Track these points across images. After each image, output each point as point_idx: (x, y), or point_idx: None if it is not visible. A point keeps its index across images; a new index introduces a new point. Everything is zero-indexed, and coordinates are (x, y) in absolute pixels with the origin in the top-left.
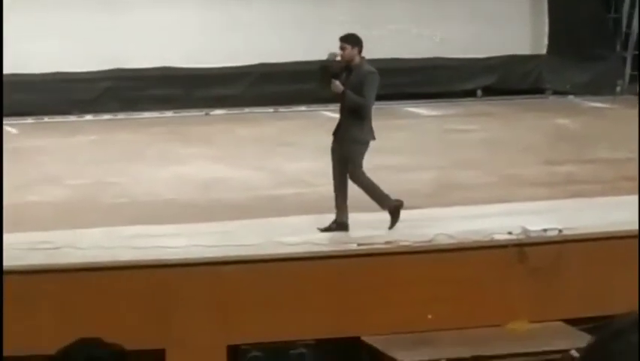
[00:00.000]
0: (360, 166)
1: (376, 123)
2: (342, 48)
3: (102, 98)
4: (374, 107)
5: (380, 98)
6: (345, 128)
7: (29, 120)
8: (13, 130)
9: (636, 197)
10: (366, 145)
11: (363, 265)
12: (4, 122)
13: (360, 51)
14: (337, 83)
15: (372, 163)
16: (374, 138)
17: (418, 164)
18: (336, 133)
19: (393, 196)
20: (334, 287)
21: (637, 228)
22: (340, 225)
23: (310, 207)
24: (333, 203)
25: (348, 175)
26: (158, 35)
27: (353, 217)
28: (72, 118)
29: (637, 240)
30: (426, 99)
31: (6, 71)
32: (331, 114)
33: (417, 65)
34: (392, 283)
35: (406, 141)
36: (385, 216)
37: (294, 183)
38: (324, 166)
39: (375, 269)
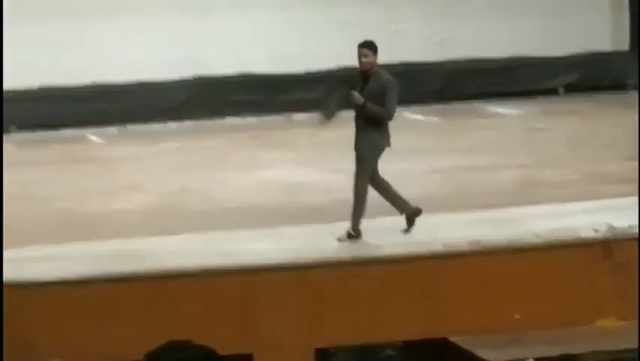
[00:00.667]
0: (369, 173)
1: (459, 123)
2: (364, 55)
3: (185, 105)
4: (456, 106)
5: (463, 97)
6: (364, 134)
7: (113, 129)
8: (98, 139)
9: None
10: (381, 151)
11: (449, 266)
12: (88, 131)
13: (376, 58)
14: (357, 94)
15: (456, 164)
16: (389, 145)
17: (502, 163)
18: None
19: (480, 195)
20: (420, 288)
21: None
22: (357, 233)
23: (393, 209)
24: (417, 204)
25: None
26: (238, 41)
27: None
28: (155, 126)
29: None
30: (508, 98)
31: (89, 80)
32: (413, 115)
33: (499, 64)
34: (478, 283)
35: (489, 140)
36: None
37: None
38: (407, 168)
39: (461, 269)
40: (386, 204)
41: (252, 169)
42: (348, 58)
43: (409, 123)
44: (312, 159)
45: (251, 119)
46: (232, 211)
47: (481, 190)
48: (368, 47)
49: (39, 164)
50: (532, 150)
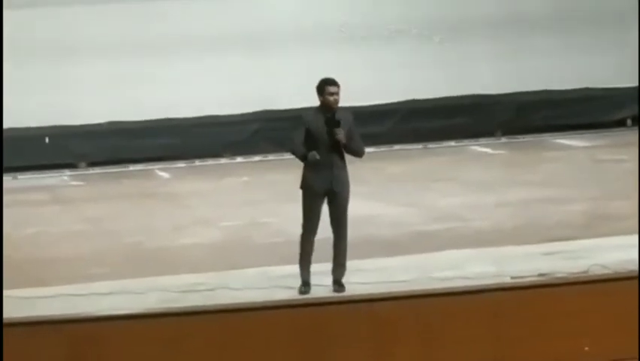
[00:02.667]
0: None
1: (527, 156)
2: (337, 93)
3: (252, 139)
4: (524, 139)
5: (531, 130)
6: (344, 173)
7: (181, 164)
8: (166, 174)
9: None
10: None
11: (519, 298)
12: (156, 166)
13: None
14: (342, 133)
15: (525, 196)
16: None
17: (571, 195)
18: (311, 184)
19: (549, 228)
20: (489, 321)
21: None
22: (308, 283)
23: (463, 242)
24: (486, 236)
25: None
26: (305, 75)
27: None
28: (223, 160)
29: None
30: (576, 130)
31: (157, 116)
32: (481, 149)
33: (566, 96)
34: (548, 315)
35: (557, 173)
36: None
37: (447, 219)
38: (475, 200)
39: (530, 302)
40: (458, 237)
41: None
42: (412, 92)
43: (477, 156)
44: (379, 192)
45: None
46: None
47: (549, 223)
48: (337, 83)
49: (108, 199)
50: (601, 182)
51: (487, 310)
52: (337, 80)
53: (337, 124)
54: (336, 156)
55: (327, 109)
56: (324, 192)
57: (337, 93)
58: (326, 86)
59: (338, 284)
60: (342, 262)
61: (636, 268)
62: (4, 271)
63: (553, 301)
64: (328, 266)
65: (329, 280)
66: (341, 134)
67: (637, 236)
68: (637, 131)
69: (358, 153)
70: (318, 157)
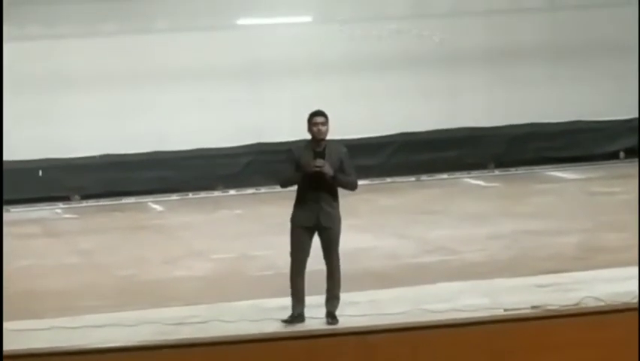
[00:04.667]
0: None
1: (520, 189)
2: (322, 123)
3: (245, 172)
4: (517, 171)
5: (524, 162)
6: (333, 208)
7: (174, 197)
8: (158, 207)
9: None
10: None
11: (511, 330)
12: (150, 199)
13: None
14: (328, 166)
15: (518, 228)
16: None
17: (563, 227)
18: (300, 218)
19: (541, 260)
20: (483, 353)
21: None
22: (298, 317)
23: (456, 274)
24: (479, 269)
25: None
26: (296, 108)
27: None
28: (216, 193)
29: None
30: (569, 163)
31: (150, 149)
32: (473, 181)
33: (558, 128)
34: (540, 347)
35: (550, 205)
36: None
37: (439, 251)
38: (468, 233)
39: (523, 334)
40: (450, 269)
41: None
42: (406, 125)
43: (470, 189)
44: (372, 224)
45: None
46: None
47: (542, 255)
48: (324, 115)
49: (101, 232)
50: (593, 215)
51: (480, 343)
52: (330, 113)
53: (318, 155)
54: (323, 190)
55: (315, 141)
56: (312, 226)
57: (323, 124)
58: (311, 117)
59: (331, 317)
60: (336, 294)
61: (631, 299)
62: None
63: (546, 334)
64: (320, 299)
65: (322, 312)
66: (320, 163)
67: (631, 268)
68: (630, 164)
69: (349, 186)
70: (310, 169)
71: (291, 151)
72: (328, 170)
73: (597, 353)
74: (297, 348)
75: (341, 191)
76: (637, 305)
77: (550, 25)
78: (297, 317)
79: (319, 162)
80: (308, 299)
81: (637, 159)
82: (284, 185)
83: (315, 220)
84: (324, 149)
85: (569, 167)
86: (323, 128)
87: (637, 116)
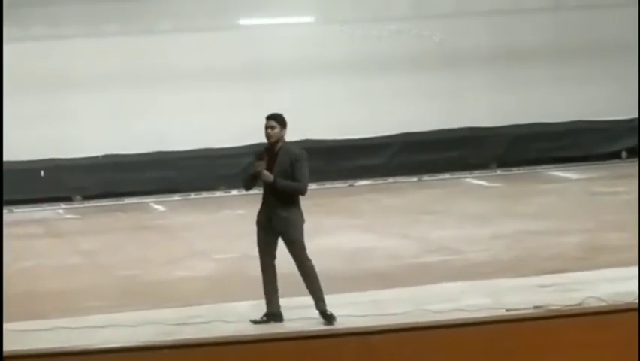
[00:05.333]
0: (305, 249)
1: (522, 189)
2: (271, 127)
3: (246, 172)
4: (519, 171)
5: (526, 162)
6: (286, 212)
7: (176, 197)
8: (161, 207)
9: None
10: (302, 229)
11: (513, 331)
12: (151, 199)
13: (285, 132)
14: (266, 173)
15: (520, 228)
16: (304, 221)
17: (566, 227)
18: (262, 221)
19: (544, 260)
20: (485, 353)
21: None
22: (274, 316)
23: (458, 274)
24: (481, 269)
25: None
26: (300, 109)
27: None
28: (218, 193)
29: None
30: (571, 163)
31: (152, 149)
32: (475, 181)
33: (561, 128)
34: (543, 347)
35: (552, 205)
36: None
37: (441, 251)
38: (470, 233)
39: (525, 334)
40: (452, 269)
41: (315, 236)
42: (408, 125)
43: (472, 189)
44: (375, 224)
45: (313, 186)
46: (295, 278)
47: (544, 255)
48: (275, 119)
49: (103, 232)
50: (595, 215)
51: (482, 343)
52: (332, 113)
53: (258, 157)
54: (274, 194)
55: (270, 144)
56: (269, 228)
57: (272, 127)
58: (266, 121)
59: (324, 316)
60: (319, 296)
61: (632, 299)
62: None
63: (549, 334)
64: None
65: (316, 313)
66: (258, 167)
67: (633, 268)
68: (632, 164)
69: (292, 191)
70: (259, 169)
71: (255, 154)
72: (266, 176)
73: (600, 354)
74: (299, 349)
75: (342, 191)
76: (637, 305)
77: (553, 25)
78: (270, 316)
79: (258, 165)
80: (304, 300)
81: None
82: (243, 186)
83: (269, 223)
84: (278, 152)
85: (571, 167)
86: (272, 131)
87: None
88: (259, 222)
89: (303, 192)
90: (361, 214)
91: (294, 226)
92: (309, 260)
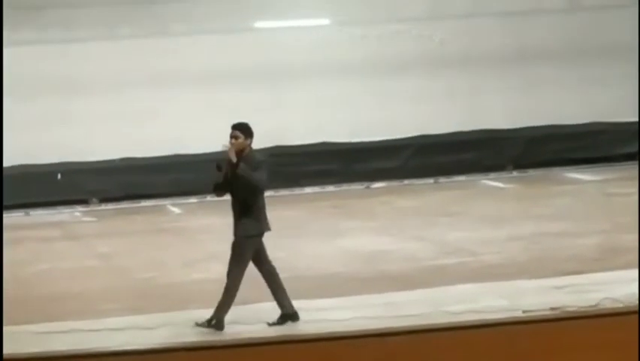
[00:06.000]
0: (244, 260)
1: (538, 190)
2: (234, 137)
3: None
4: (535, 173)
5: (542, 164)
6: (241, 220)
7: (192, 200)
8: (177, 210)
9: None
10: (259, 238)
11: (530, 332)
12: (168, 201)
13: (251, 142)
14: (233, 154)
15: (536, 230)
16: (269, 229)
17: (581, 229)
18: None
19: (560, 261)
20: (501, 355)
21: None
22: (291, 316)
23: (475, 276)
24: (497, 270)
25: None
26: (317, 111)
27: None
28: None
29: None
30: (587, 164)
31: (169, 152)
32: (491, 183)
33: (577, 130)
34: (560, 349)
35: (568, 207)
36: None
37: (457, 253)
38: (486, 235)
39: (541, 335)
40: (469, 271)
41: (332, 238)
42: (424, 127)
43: (488, 190)
44: (390, 226)
45: (330, 188)
46: (312, 280)
47: (561, 256)
48: (239, 128)
49: (120, 235)
50: (611, 216)
51: (498, 345)
52: (349, 115)
53: (218, 168)
54: (235, 204)
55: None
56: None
57: (236, 137)
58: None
59: (291, 316)
60: (278, 301)
61: (635, 301)
62: (17, 307)
63: (565, 335)
64: (337, 301)
65: (336, 315)
66: (226, 146)
67: None
68: None
69: (250, 182)
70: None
71: (217, 162)
72: (232, 155)
73: (616, 355)
74: (315, 350)
75: (358, 193)
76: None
77: (569, 26)
78: (285, 317)
79: (225, 146)
80: (320, 302)
81: None
82: (213, 191)
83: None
84: (242, 158)
85: (587, 168)
86: (235, 142)
87: None
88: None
89: (261, 186)
90: (377, 216)
91: (240, 233)
92: (236, 269)
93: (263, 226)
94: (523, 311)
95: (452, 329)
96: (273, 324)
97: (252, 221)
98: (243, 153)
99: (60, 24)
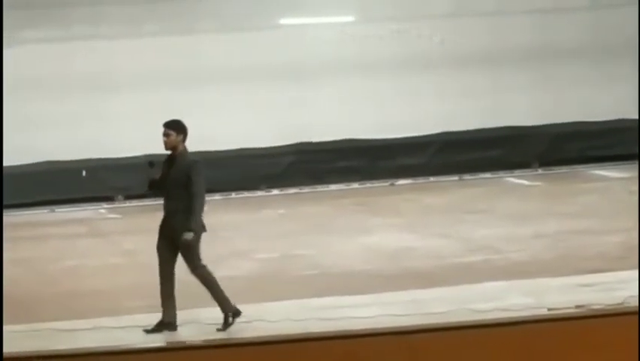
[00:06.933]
0: (200, 259)
1: (563, 188)
2: (167, 134)
3: (288, 172)
4: (560, 170)
5: (567, 161)
6: (180, 221)
7: (217, 197)
8: None
9: None
10: (200, 237)
11: (555, 330)
12: None
13: (184, 139)
14: (190, 235)
15: (562, 228)
16: (205, 230)
17: (607, 226)
18: (162, 228)
19: (585, 259)
20: (526, 352)
21: None
22: (168, 325)
23: (499, 273)
24: (523, 268)
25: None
26: (342, 108)
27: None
28: (259, 193)
29: None
30: (613, 161)
31: (192, 149)
32: (516, 180)
33: (602, 127)
34: (584, 347)
35: (593, 204)
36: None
37: (483, 250)
38: (511, 232)
39: (567, 333)
40: (494, 269)
41: (357, 235)
42: (449, 124)
43: (513, 188)
44: (416, 224)
45: (354, 185)
46: (337, 277)
47: (586, 254)
48: (172, 126)
49: (145, 232)
50: (637, 214)
51: (524, 342)
52: (373, 111)
53: (149, 164)
54: (171, 200)
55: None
56: (167, 236)
57: (168, 135)
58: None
59: (228, 320)
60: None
61: (634, 302)
62: (43, 304)
63: (590, 333)
64: (362, 298)
65: (361, 312)
66: (188, 237)
67: None
68: None
69: (200, 210)
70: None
71: (149, 162)
72: (187, 234)
73: None
74: (340, 348)
75: (383, 190)
76: None
77: (593, 23)
78: (162, 325)
79: (187, 235)
80: (348, 299)
81: None
82: (148, 189)
83: (167, 231)
84: (175, 160)
85: (613, 165)
86: (167, 139)
87: None
88: (159, 230)
89: (203, 204)
90: (402, 214)
91: (180, 235)
92: (202, 266)
93: (202, 225)
94: (549, 309)
95: (477, 326)
96: (150, 331)
97: (184, 222)
98: (177, 150)
99: (86, 21)
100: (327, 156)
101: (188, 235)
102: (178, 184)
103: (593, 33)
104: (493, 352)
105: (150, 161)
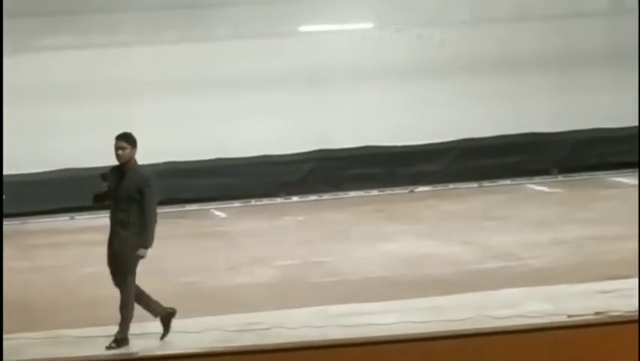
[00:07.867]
0: (134, 276)
1: (583, 194)
2: (122, 148)
3: (307, 179)
4: (580, 177)
5: (587, 168)
6: (124, 235)
7: (237, 204)
8: (222, 214)
9: None
10: (145, 253)
11: (575, 337)
12: (213, 206)
13: (135, 152)
14: (143, 252)
15: (581, 234)
16: (151, 246)
17: (627, 233)
18: (111, 241)
19: (605, 266)
20: (546, 359)
21: None
22: (121, 341)
23: (519, 280)
24: (542, 275)
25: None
26: (360, 114)
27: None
28: (278, 200)
29: None
30: (633, 168)
31: (213, 156)
32: (536, 187)
33: (622, 133)
34: (604, 353)
35: (613, 211)
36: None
37: (502, 257)
38: (531, 239)
39: (586, 340)
40: (514, 275)
41: (376, 242)
42: (468, 130)
43: (533, 194)
44: (435, 231)
45: (374, 192)
46: (356, 284)
47: (606, 261)
48: (125, 139)
49: (164, 239)
50: None
51: (543, 349)
52: (392, 118)
53: (103, 178)
54: (116, 217)
55: (121, 165)
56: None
57: (123, 148)
58: (115, 141)
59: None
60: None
61: (633, 310)
62: (63, 311)
63: (610, 340)
64: (381, 305)
65: (380, 318)
66: (142, 254)
67: None
68: None
69: (153, 228)
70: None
71: (101, 175)
72: (142, 253)
73: None
74: (359, 355)
75: (402, 197)
76: None
77: (613, 29)
78: (118, 341)
79: (142, 252)
80: (364, 306)
81: None
82: (93, 201)
83: (114, 243)
84: (125, 173)
85: (633, 172)
86: (122, 152)
87: None
88: (108, 244)
89: (154, 224)
90: (422, 220)
91: (129, 247)
92: (131, 286)
93: (151, 241)
94: (568, 316)
95: (497, 333)
96: (110, 348)
97: (133, 236)
98: (129, 164)
99: (104, 29)
100: (346, 163)
101: (143, 252)
102: (128, 198)
103: (612, 38)
104: (513, 359)
105: (102, 174)
